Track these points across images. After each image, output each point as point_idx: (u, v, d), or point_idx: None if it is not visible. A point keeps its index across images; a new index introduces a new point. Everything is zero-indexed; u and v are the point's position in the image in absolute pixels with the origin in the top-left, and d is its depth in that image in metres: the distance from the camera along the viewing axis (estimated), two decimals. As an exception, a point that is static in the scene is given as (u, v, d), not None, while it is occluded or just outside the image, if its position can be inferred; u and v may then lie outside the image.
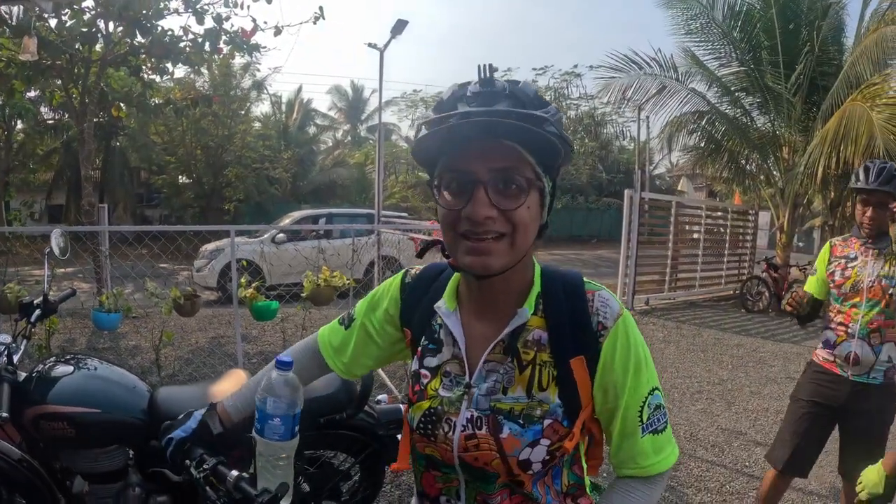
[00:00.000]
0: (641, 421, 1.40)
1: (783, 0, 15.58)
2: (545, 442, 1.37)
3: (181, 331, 9.22)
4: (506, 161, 1.26)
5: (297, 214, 15.86)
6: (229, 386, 1.86)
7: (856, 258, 3.69)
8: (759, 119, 17.07)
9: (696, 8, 16.06)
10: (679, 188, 41.31)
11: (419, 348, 1.54)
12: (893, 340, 3.57)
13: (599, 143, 34.16)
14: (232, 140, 27.28)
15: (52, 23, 9.87)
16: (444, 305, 1.49)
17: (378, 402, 3.70)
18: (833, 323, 3.72)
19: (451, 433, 1.42)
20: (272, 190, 29.52)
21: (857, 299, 3.62)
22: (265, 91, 30.52)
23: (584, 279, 1.47)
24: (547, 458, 1.38)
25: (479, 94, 1.27)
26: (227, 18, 10.03)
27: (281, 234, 13.44)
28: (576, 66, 29.07)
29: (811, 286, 3.91)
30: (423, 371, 1.51)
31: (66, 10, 9.49)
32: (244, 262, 11.29)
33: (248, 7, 10.10)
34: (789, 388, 4.95)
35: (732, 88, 16.87)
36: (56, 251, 3.83)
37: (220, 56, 11.05)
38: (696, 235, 16.37)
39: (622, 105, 21.93)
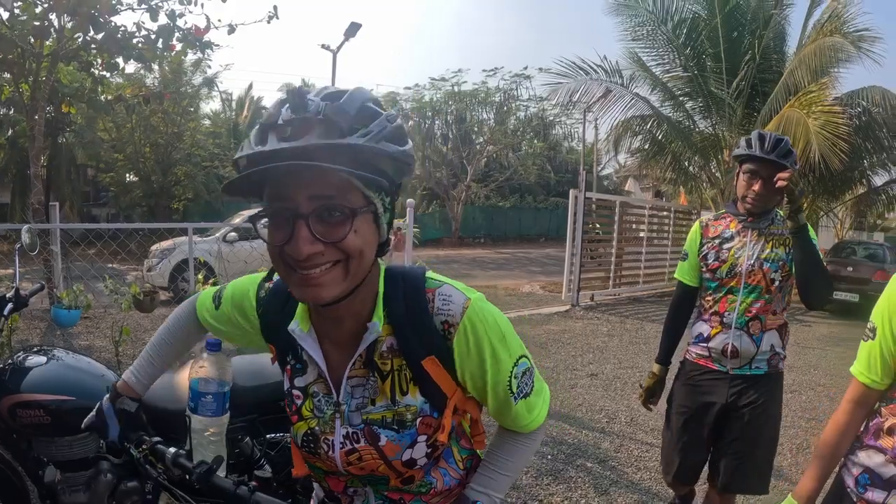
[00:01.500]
0: (512, 391, 1.44)
1: (728, 9, 16.15)
2: (422, 438, 1.41)
3: (136, 329, 9.28)
4: (328, 189, 1.20)
5: (248, 213, 15.76)
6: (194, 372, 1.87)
7: (732, 238, 3.29)
8: (701, 123, 17.76)
9: (643, 15, 16.62)
10: (626, 188, 42.02)
11: (288, 367, 1.52)
12: (775, 327, 3.24)
13: (548, 144, 34.56)
14: (181, 138, 26.97)
15: (5, 16, 9.78)
16: (297, 328, 1.44)
17: None
18: (707, 313, 3.35)
19: (331, 451, 1.45)
20: (222, 188, 29.22)
21: (733, 284, 3.23)
22: (216, 88, 30.30)
23: (427, 275, 1.44)
24: (429, 450, 1.43)
25: (290, 122, 1.19)
26: (181, 15, 10.04)
27: (233, 233, 13.43)
28: (526, 69, 29.21)
29: (682, 273, 3.53)
30: (295, 392, 1.50)
31: (19, 3, 9.43)
32: (201, 259, 11.29)
33: (202, 5, 10.10)
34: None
35: (677, 93, 17.48)
36: (26, 247, 3.90)
37: (173, 53, 11.06)
38: (641, 234, 16.76)
39: (569, 108, 22.42)
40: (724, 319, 3.25)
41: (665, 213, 17.94)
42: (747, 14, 16.56)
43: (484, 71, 30.27)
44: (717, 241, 3.33)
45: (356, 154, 1.19)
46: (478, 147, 32.64)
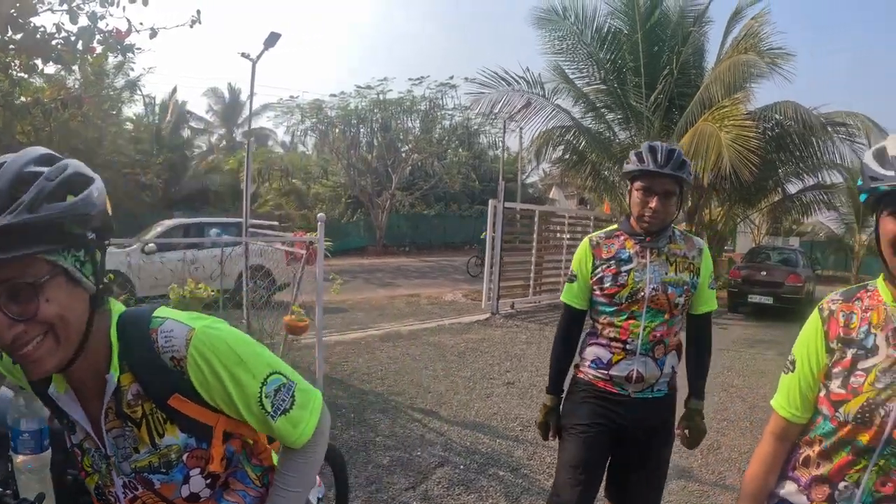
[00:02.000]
0: (266, 411, 1.44)
1: (649, 25, 16.62)
2: (195, 472, 1.45)
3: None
4: (4, 272, 1.17)
5: (167, 223, 15.24)
6: None
7: (630, 260, 3.03)
8: (621, 134, 18.18)
9: (565, 29, 16.97)
10: (551, 196, 42.51)
11: (65, 425, 1.52)
12: (675, 347, 3.09)
13: (473, 153, 34.75)
14: (102, 143, 26.43)
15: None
16: (54, 391, 1.43)
17: None
18: (603, 338, 3.08)
19: (118, 502, 1.50)
20: (143, 196, 28.68)
21: (635, 308, 2.99)
22: (139, 91, 29.65)
23: (154, 315, 1.43)
24: (208, 481, 1.48)
25: None
26: (102, 18, 9.90)
27: (151, 244, 13.09)
28: (452, 78, 29.36)
29: (571, 296, 3.20)
30: (76, 449, 1.52)
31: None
32: (110, 277, 10.85)
33: (124, 8, 9.98)
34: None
35: (598, 105, 17.90)
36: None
37: (94, 56, 10.88)
38: (565, 242, 16.91)
39: (491, 118, 22.70)
40: (628, 346, 3.00)
41: (586, 221, 18.14)
42: (667, 30, 17.06)
43: (410, 80, 30.20)
44: (612, 264, 3.05)
45: (10, 233, 1.15)
46: (403, 155, 32.62)
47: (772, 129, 16.96)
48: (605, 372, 3.05)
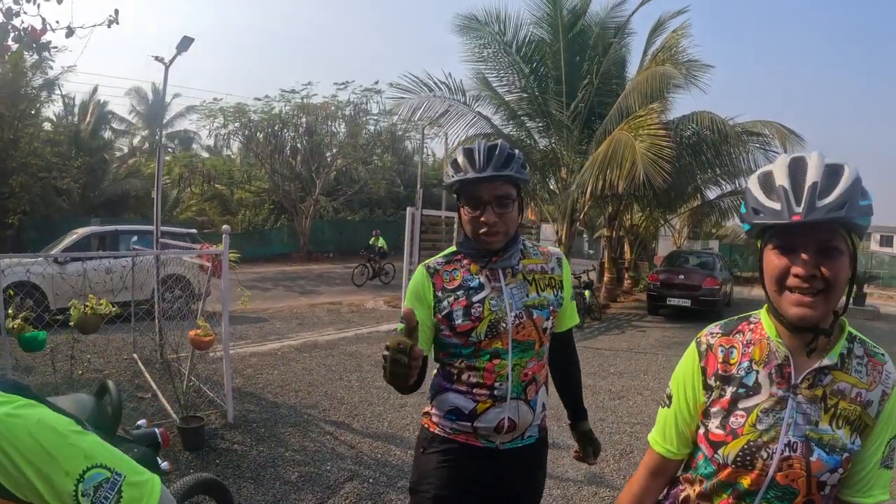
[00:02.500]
0: None
1: (571, 35, 16.86)
2: None
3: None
4: None
5: (82, 231, 14.65)
6: None
7: (481, 287, 2.47)
8: (541, 142, 18.49)
9: (488, 37, 17.12)
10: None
11: None
12: (544, 381, 2.60)
13: (398, 158, 34.78)
14: (18, 145, 25.63)
15: None
16: None
17: (137, 427, 3.72)
18: (462, 384, 2.48)
19: None
20: (60, 202, 27.89)
21: (498, 345, 2.43)
22: (57, 90, 28.85)
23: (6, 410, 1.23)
24: None
25: None
26: (17, 15, 9.70)
27: (63, 254, 12.65)
28: (377, 83, 29.27)
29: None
30: None
31: None
32: (10, 292, 10.32)
33: (39, 6, 9.80)
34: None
35: (518, 113, 18.08)
36: None
37: (9, 54, 10.64)
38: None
39: (411, 124, 22.77)
40: (496, 392, 2.44)
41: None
42: (589, 40, 17.35)
43: (335, 84, 30.17)
44: (461, 294, 2.47)
45: None
46: (328, 160, 32.48)
47: (689, 139, 17.46)
48: (468, 424, 2.48)
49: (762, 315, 1.74)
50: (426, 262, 2.62)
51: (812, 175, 1.51)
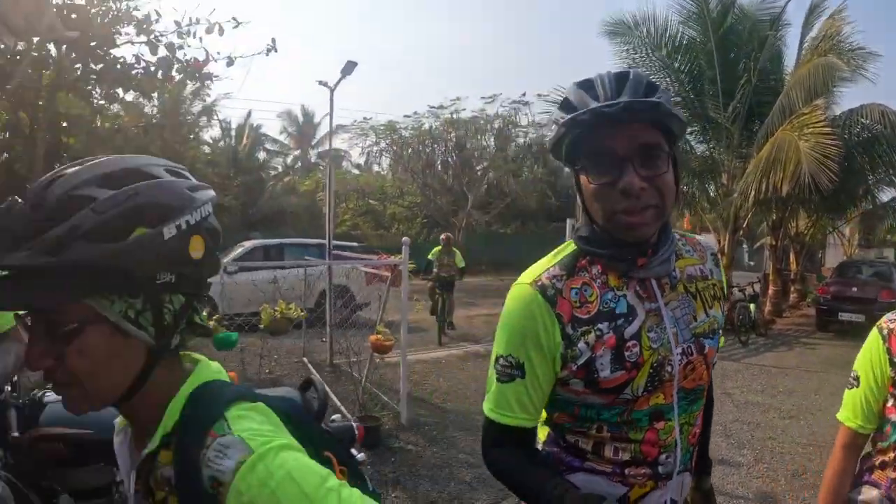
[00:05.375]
0: None
1: (722, 32, 16.19)
2: None
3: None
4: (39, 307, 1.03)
5: (248, 244, 15.84)
6: None
7: (632, 312, 1.55)
8: (698, 147, 17.81)
9: (636, 40, 16.75)
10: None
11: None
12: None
13: (549, 169, 34.58)
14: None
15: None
16: (118, 423, 1.24)
17: (332, 421, 3.84)
18: (604, 463, 1.59)
19: None
20: (222, 218, 29.01)
21: (660, 400, 1.56)
22: (215, 116, 30.35)
23: (229, 413, 1.07)
24: None
25: None
26: (180, 48, 10.15)
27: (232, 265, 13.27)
28: (524, 95, 29.24)
29: (504, 404, 1.57)
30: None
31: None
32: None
33: (201, 39, 10.24)
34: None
35: (674, 117, 17.51)
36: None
37: (172, 84, 11.15)
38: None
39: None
40: (661, 469, 1.59)
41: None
42: (742, 36, 16.61)
43: (482, 98, 30.33)
44: (605, 329, 1.53)
45: (18, 276, 0.97)
46: (478, 173, 32.65)
47: (858, 135, 16.37)
48: None
49: None
50: (532, 275, 1.62)
51: None
